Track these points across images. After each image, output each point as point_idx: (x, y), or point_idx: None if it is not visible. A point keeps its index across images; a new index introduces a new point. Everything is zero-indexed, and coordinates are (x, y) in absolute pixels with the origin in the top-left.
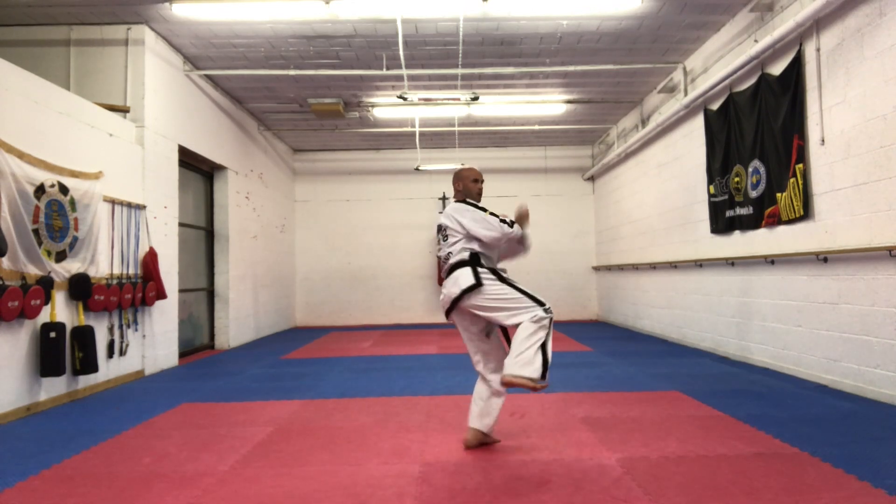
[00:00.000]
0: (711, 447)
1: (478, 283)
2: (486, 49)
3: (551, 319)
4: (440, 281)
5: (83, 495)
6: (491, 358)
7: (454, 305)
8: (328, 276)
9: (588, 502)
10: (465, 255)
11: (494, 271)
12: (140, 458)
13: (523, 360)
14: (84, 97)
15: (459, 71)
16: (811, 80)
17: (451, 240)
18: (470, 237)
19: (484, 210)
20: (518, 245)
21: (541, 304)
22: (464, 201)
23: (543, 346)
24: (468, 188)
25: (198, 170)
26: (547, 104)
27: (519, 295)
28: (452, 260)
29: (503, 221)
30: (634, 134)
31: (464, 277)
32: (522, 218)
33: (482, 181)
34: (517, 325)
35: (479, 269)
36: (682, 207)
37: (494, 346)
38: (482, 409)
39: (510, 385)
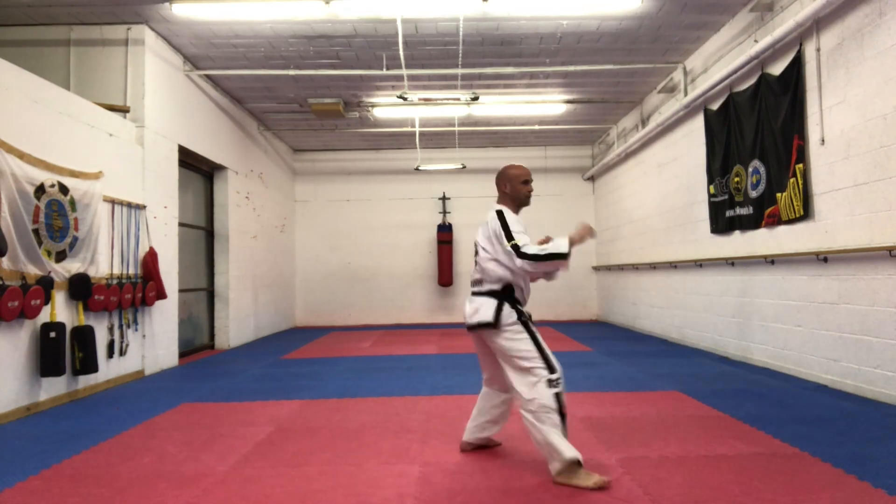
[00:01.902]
0: (711, 447)
1: (495, 324)
2: (486, 49)
3: (558, 395)
4: (440, 281)
5: (83, 495)
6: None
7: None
8: (328, 276)
9: (588, 502)
10: (498, 286)
11: (521, 312)
12: (140, 458)
13: (547, 457)
14: (84, 97)
15: (459, 71)
16: (811, 80)
17: (482, 255)
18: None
19: (509, 233)
20: (545, 274)
21: (551, 368)
22: (500, 214)
23: (554, 429)
24: (517, 191)
25: (198, 170)
26: (547, 104)
27: (534, 353)
28: (484, 288)
29: (519, 252)
30: (634, 134)
31: (485, 309)
32: (576, 240)
33: (532, 182)
34: (514, 389)
35: (505, 307)
36: (682, 207)
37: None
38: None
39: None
